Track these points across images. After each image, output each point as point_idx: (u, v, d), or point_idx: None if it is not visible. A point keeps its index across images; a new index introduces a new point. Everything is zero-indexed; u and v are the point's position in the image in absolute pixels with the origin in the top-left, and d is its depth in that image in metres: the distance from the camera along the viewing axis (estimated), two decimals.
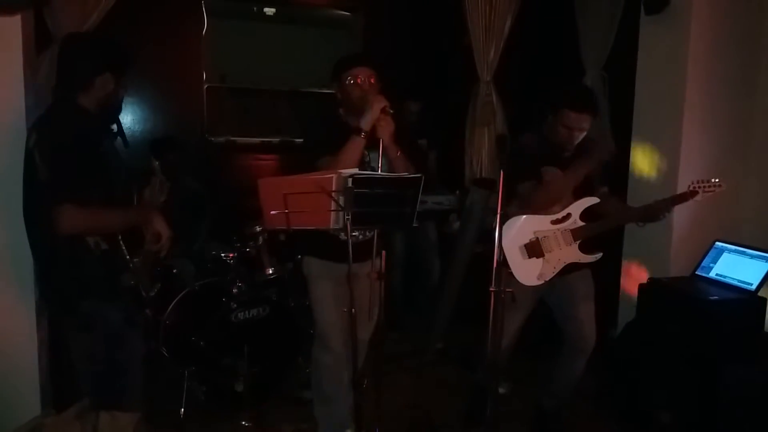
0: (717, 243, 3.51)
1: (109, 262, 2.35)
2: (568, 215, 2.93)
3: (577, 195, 2.94)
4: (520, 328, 3.10)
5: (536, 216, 2.93)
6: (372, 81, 2.70)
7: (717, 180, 2.94)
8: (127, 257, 2.41)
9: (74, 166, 2.21)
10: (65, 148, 2.24)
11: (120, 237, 2.39)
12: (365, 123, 2.54)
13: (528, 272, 2.94)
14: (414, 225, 2.42)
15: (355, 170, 2.34)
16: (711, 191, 2.93)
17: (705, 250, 3.53)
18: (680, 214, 3.60)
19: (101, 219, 2.29)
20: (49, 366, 2.95)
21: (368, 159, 2.74)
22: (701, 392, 3.07)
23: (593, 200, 2.93)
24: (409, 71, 5.06)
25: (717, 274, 3.40)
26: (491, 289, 2.58)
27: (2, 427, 2.55)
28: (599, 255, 2.98)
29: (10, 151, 2.66)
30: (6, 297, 2.75)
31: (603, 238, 2.97)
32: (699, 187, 2.93)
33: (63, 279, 2.37)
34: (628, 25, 3.96)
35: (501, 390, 4.14)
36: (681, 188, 3.56)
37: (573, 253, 2.95)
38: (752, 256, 3.30)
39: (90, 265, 2.32)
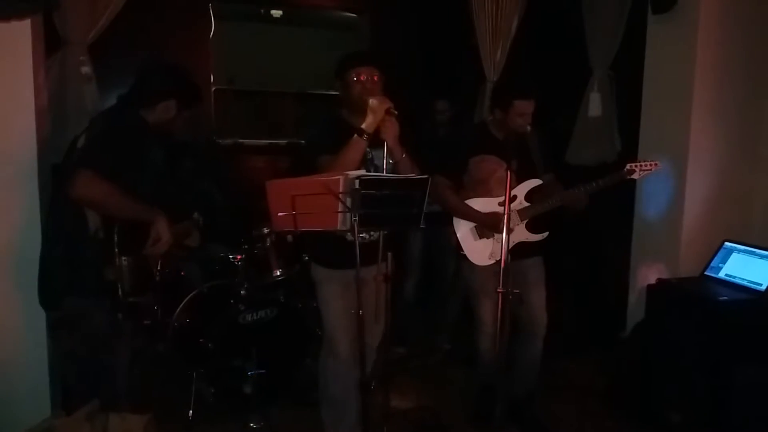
0: (726, 243, 3.49)
1: (99, 252, 2.37)
2: (514, 197, 3.10)
3: (521, 178, 3.11)
4: (497, 316, 3.10)
5: (484, 198, 3.16)
6: (375, 79, 2.67)
7: (654, 161, 3.11)
8: (116, 251, 2.39)
9: (110, 150, 2.31)
10: (110, 135, 2.36)
11: (116, 230, 2.38)
12: (368, 125, 2.51)
13: (480, 253, 3.18)
14: (421, 226, 2.42)
15: (362, 171, 2.34)
16: (648, 170, 3.09)
17: (714, 251, 3.51)
18: (689, 213, 3.59)
19: (113, 197, 2.31)
20: (59, 367, 2.97)
21: (371, 156, 2.73)
22: (711, 393, 3.05)
23: (536, 182, 3.15)
24: (416, 72, 5.06)
25: (726, 275, 3.38)
26: (498, 290, 2.59)
27: (14, 428, 2.56)
28: (546, 234, 3.19)
29: (20, 153, 2.68)
30: (14, 299, 2.76)
31: (549, 218, 3.17)
32: (636, 167, 3.09)
33: (55, 268, 2.41)
34: (636, 25, 3.95)
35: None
36: (690, 188, 3.57)
37: (521, 233, 3.15)
38: (762, 257, 3.28)
39: (84, 249, 2.36)
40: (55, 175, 2.55)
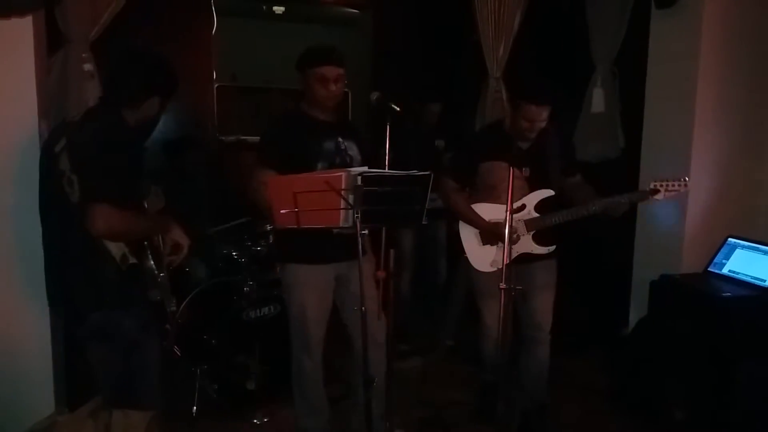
0: (730, 239, 3.48)
1: (136, 277, 2.30)
2: (523, 206, 2.99)
3: (533, 187, 2.98)
4: (501, 318, 3.07)
5: (493, 204, 3.01)
6: (339, 80, 2.69)
7: (683, 180, 2.93)
8: (156, 272, 2.35)
9: (110, 169, 2.18)
10: (103, 151, 2.20)
11: (149, 252, 2.33)
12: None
13: (482, 258, 3.08)
14: (423, 222, 2.42)
15: (365, 168, 2.34)
16: (674, 191, 2.91)
17: (718, 246, 3.50)
18: (693, 209, 3.59)
19: (133, 223, 2.24)
20: (63, 364, 2.98)
21: (344, 146, 2.76)
22: (715, 389, 3.05)
23: (548, 192, 2.98)
24: (418, 68, 5.06)
25: (730, 271, 3.37)
26: (501, 286, 2.58)
27: (17, 425, 2.57)
28: (552, 248, 3.04)
29: (22, 151, 2.69)
30: (19, 295, 2.77)
31: (558, 231, 3.01)
32: (661, 186, 2.91)
33: (77, 289, 2.34)
34: (639, 20, 3.94)
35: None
36: (693, 184, 3.53)
37: (526, 244, 3.01)
38: (766, 252, 3.27)
39: (112, 278, 2.26)
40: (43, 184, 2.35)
